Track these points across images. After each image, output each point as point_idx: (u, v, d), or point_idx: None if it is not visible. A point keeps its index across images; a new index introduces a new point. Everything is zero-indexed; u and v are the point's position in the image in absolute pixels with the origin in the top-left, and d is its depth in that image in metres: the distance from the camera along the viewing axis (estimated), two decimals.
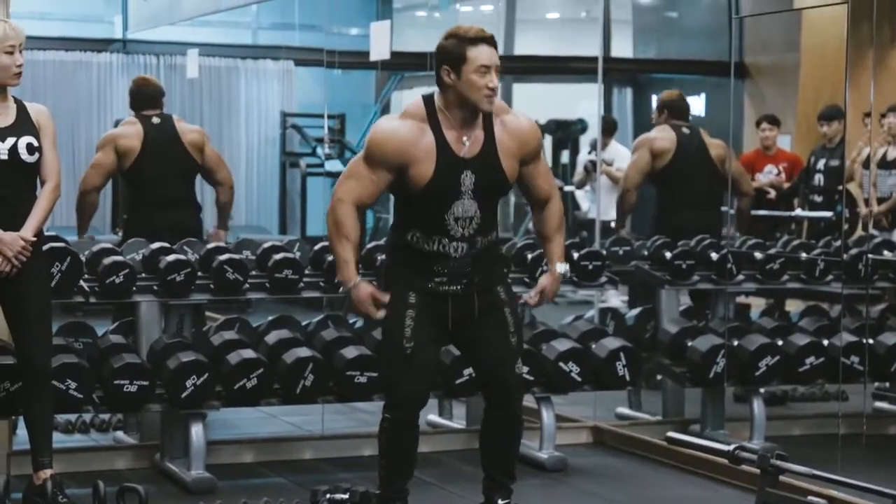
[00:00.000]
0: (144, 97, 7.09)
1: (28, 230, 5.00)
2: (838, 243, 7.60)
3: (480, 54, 4.50)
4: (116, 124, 12.44)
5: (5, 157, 4.98)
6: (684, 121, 7.71)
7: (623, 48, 15.64)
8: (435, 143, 4.56)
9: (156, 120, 7.00)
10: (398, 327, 4.61)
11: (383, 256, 5.58)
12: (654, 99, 7.76)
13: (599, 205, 8.72)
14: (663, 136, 7.60)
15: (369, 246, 6.54)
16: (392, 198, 5.05)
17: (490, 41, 4.53)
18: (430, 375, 4.76)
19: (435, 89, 4.64)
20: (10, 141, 5.00)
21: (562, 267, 4.84)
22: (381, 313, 4.63)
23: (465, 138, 4.59)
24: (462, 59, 4.50)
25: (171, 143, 6.98)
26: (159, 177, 6.92)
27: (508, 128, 4.67)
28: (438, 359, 5.15)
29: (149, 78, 7.45)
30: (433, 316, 4.63)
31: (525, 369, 4.95)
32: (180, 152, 6.99)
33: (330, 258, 6.21)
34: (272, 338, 6.11)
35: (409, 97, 15.10)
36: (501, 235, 5.21)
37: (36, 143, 5.05)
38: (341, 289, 4.57)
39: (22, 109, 5.10)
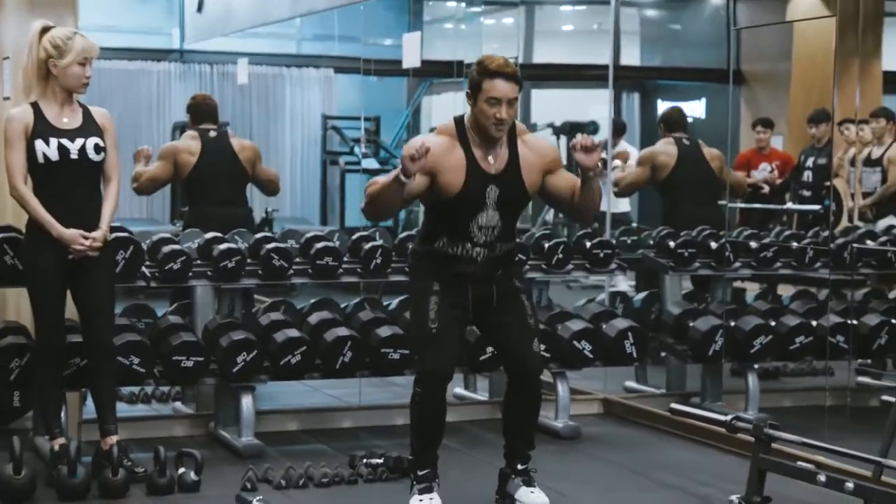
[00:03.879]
0: (205, 112, 7.07)
1: (104, 225, 5.03)
2: (826, 234, 7.57)
3: (493, 87, 4.46)
4: (174, 128, 12.60)
5: (76, 156, 4.99)
6: (683, 132, 7.73)
7: (631, 57, 15.55)
8: (465, 158, 4.56)
9: (213, 134, 6.98)
10: (424, 310, 4.62)
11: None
12: (659, 104, 7.72)
13: (610, 198, 8.70)
14: (666, 149, 7.66)
15: (402, 236, 6.54)
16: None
17: (508, 76, 4.47)
18: (455, 352, 4.75)
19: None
20: (80, 142, 5.01)
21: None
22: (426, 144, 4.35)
23: (490, 157, 4.59)
24: (478, 89, 4.49)
25: (226, 154, 6.95)
26: (215, 182, 6.88)
27: (530, 145, 4.68)
28: (463, 337, 5.14)
29: (207, 94, 7.44)
30: (456, 301, 4.64)
31: (542, 347, 4.92)
32: (235, 163, 6.96)
33: (367, 246, 6.24)
34: (314, 318, 6.12)
35: (438, 102, 15.10)
36: (520, 226, 5.19)
37: (102, 144, 5.06)
38: (402, 178, 4.37)
39: (87, 113, 5.11)
